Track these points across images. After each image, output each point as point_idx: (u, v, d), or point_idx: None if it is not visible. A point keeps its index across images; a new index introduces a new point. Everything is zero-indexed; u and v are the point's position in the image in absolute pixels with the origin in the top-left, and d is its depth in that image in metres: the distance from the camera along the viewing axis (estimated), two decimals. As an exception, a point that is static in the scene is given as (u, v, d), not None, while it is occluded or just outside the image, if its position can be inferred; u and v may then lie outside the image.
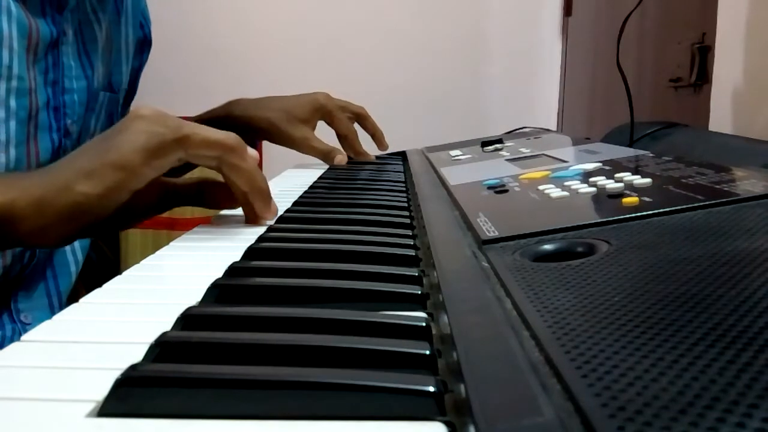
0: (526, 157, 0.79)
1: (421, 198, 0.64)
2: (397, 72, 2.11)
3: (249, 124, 0.89)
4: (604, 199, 0.47)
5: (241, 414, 0.22)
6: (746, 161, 0.55)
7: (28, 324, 0.70)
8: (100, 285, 0.38)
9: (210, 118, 0.88)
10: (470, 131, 1.35)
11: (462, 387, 0.22)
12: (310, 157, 0.96)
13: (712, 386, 0.19)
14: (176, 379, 0.24)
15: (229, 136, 0.51)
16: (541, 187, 0.54)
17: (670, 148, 0.80)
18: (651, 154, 0.63)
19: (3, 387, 0.25)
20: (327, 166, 0.97)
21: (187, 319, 0.30)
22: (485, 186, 0.61)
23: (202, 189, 0.58)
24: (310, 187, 0.77)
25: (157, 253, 0.47)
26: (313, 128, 0.96)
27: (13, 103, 0.61)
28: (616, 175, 0.52)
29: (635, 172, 0.54)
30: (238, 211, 0.58)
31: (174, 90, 2.11)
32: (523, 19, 2.13)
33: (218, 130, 0.52)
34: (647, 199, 0.44)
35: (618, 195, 0.46)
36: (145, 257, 0.45)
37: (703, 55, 1.20)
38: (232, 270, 0.38)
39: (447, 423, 0.22)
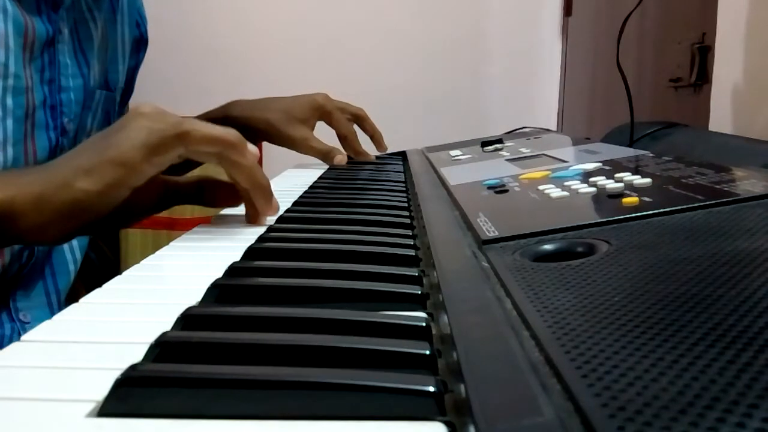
0: (526, 157, 0.79)
1: (421, 198, 0.64)
2: (397, 72, 2.11)
3: (248, 125, 0.89)
4: (604, 199, 0.47)
5: (241, 414, 0.22)
6: (746, 161, 0.55)
7: (27, 323, 0.70)
8: (100, 285, 0.38)
9: (208, 119, 0.88)
10: (470, 131, 1.35)
11: (462, 387, 0.22)
12: (310, 157, 0.96)
13: (712, 386, 0.19)
14: (176, 379, 0.24)
15: (229, 132, 0.51)
16: (541, 187, 0.54)
17: (670, 148, 0.80)
18: (651, 154, 0.63)
19: (3, 387, 0.25)
20: (327, 166, 0.97)
21: (187, 319, 0.30)
22: (485, 186, 0.61)
23: (202, 187, 0.58)
24: (310, 187, 0.77)
25: (157, 253, 0.47)
26: (312, 129, 0.96)
27: (9, 101, 0.62)
28: (616, 175, 0.52)
29: (635, 172, 0.54)
30: (239, 211, 0.58)
31: (174, 90, 2.11)
32: (523, 19, 2.13)
33: (218, 126, 0.51)
34: (647, 199, 0.44)
35: (618, 195, 0.46)
36: (145, 257, 0.45)
37: (703, 55, 1.20)
38: (232, 270, 0.38)
39: (447, 423, 0.22)
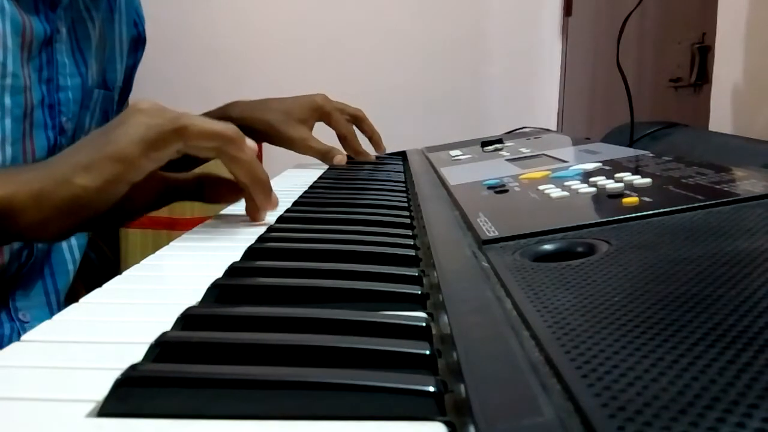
0: (526, 157, 0.79)
1: (421, 198, 0.64)
2: (397, 72, 2.11)
3: (247, 125, 0.89)
4: (604, 199, 0.47)
5: (241, 414, 0.22)
6: (746, 161, 0.55)
7: (27, 322, 0.70)
8: (100, 285, 0.38)
9: None
10: (470, 131, 1.35)
11: (462, 387, 0.22)
12: (310, 157, 0.96)
13: (712, 386, 0.19)
14: (176, 379, 0.24)
15: (227, 127, 0.51)
16: (541, 187, 0.54)
17: (670, 148, 0.80)
18: (651, 154, 0.63)
19: (3, 387, 0.25)
20: (327, 166, 0.97)
21: (187, 319, 0.30)
22: (485, 186, 0.61)
23: (202, 183, 0.58)
24: (310, 187, 0.77)
25: (157, 253, 0.47)
26: (311, 129, 0.96)
27: (7, 100, 0.62)
28: (616, 175, 0.52)
29: (635, 172, 0.54)
30: (239, 211, 0.58)
31: (174, 90, 2.10)
32: (523, 19, 2.13)
33: (216, 121, 0.51)
34: (647, 199, 0.44)
35: (618, 195, 0.46)
36: (145, 257, 0.45)
37: (703, 55, 1.20)
38: (232, 270, 0.38)
39: (447, 423, 0.22)
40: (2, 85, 0.61)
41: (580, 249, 0.36)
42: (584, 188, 0.50)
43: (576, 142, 0.89)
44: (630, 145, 0.83)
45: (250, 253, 0.43)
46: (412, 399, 0.22)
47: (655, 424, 0.17)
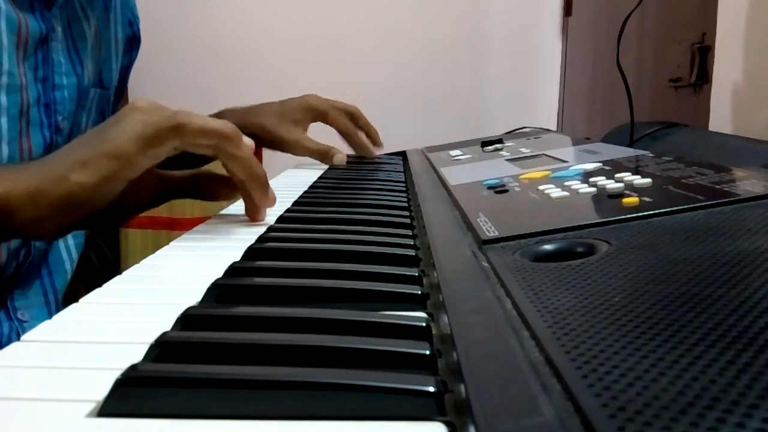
0: (526, 157, 0.79)
1: (421, 198, 0.64)
2: (397, 72, 2.11)
3: (242, 132, 0.88)
4: (604, 199, 0.47)
5: (241, 414, 0.22)
6: (746, 161, 0.55)
7: (26, 321, 0.70)
8: (100, 285, 0.38)
9: None
10: (470, 131, 1.35)
11: (462, 387, 0.22)
12: (311, 158, 0.96)
13: (712, 386, 0.19)
14: (176, 379, 0.24)
15: (225, 125, 0.51)
16: (541, 187, 0.54)
17: (670, 148, 0.80)
18: (651, 154, 0.63)
19: (3, 387, 0.25)
20: (327, 166, 0.97)
21: (187, 319, 0.30)
22: (485, 186, 0.61)
23: (198, 181, 0.58)
24: (310, 187, 0.77)
25: (157, 253, 0.47)
26: (305, 130, 0.95)
27: (4, 99, 0.62)
28: (616, 175, 0.52)
29: (635, 172, 0.54)
30: (239, 211, 0.58)
31: (174, 90, 2.10)
32: (523, 19, 2.13)
33: (214, 119, 0.52)
34: (647, 199, 0.44)
35: (618, 195, 0.46)
36: (145, 257, 0.45)
37: (703, 55, 1.20)
38: (232, 270, 0.38)
39: (447, 423, 0.22)
40: None
41: (580, 249, 0.36)
42: (584, 188, 0.50)
43: (576, 142, 0.89)
44: (630, 145, 0.83)
45: (250, 253, 0.43)
46: (412, 399, 0.22)
47: (656, 425, 0.17)
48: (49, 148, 0.68)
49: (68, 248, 0.79)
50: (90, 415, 0.23)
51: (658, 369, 0.20)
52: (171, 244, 0.50)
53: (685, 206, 0.40)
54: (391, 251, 0.43)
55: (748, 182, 0.44)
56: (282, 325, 0.30)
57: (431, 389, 0.22)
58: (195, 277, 0.38)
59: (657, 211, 0.40)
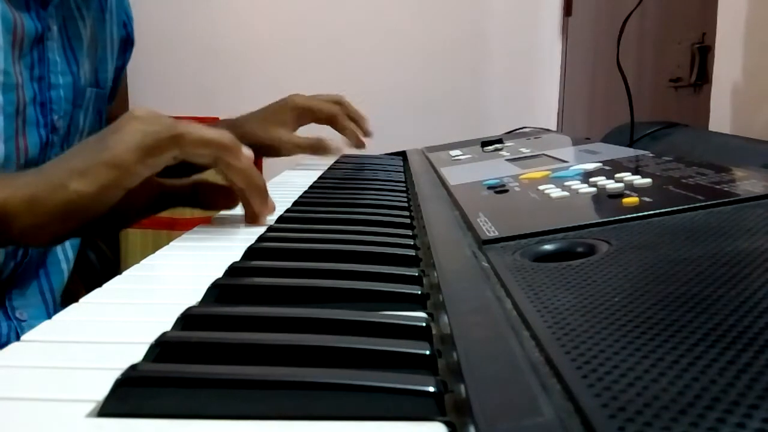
0: (526, 157, 0.79)
1: (421, 198, 0.64)
2: (397, 72, 2.11)
3: None
4: (604, 199, 0.47)
5: (240, 414, 0.22)
6: (746, 161, 0.55)
7: (24, 321, 0.71)
8: (100, 285, 0.38)
9: None
10: (470, 131, 1.35)
11: (462, 387, 0.22)
12: (310, 158, 0.96)
13: (712, 387, 0.19)
14: (176, 379, 0.24)
15: (224, 135, 0.52)
16: (541, 187, 0.54)
17: (670, 148, 0.80)
18: (651, 154, 0.63)
19: (3, 387, 0.25)
20: (327, 166, 0.97)
21: (187, 319, 0.30)
22: (485, 186, 0.61)
23: (197, 190, 0.58)
24: (310, 187, 0.77)
25: (157, 253, 0.47)
26: (293, 130, 0.94)
27: (0, 98, 0.62)
28: (617, 175, 0.52)
29: (635, 172, 0.54)
30: (238, 211, 0.58)
31: (174, 90, 2.11)
32: (523, 19, 2.13)
33: (213, 129, 0.52)
34: (647, 199, 0.44)
35: (618, 195, 0.46)
36: (145, 257, 0.45)
37: (703, 55, 1.20)
38: (232, 270, 0.38)
39: (447, 423, 0.22)
40: None
41: (580, 249, 0.36)
42: (584, 188, 0.50)
43: (576, 142, 0.89)
44: (630, 145, 0.83)
45: (250, 253, 0.43)
46: (412, 399, 0.22)
47: (656, 425, 0.17)
48: (45, 147, 0.68)
49: (64, 248, 0.79)
50: (90, 415, 0.23)
51: (658, 369, 0.20)
52: (171, 244, 0.50)
53: (685, 206, 0.40)
54: (391, 251, 0.43)
55: (748, 182, 0.44)
56: (282, 325, 0.30)
57: (431, 389, 0.22)
58: (195, 277, 0.38)
59: (657, 211, 0.40)
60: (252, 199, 0.55)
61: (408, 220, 0.54)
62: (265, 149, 0.91)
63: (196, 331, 0.29)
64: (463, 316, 0.29)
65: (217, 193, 0.58)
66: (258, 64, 2.11)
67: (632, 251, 0.34)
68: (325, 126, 0.96)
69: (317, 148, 0.92)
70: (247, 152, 0.53)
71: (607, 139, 0.93)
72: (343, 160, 1.05)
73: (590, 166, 0.61)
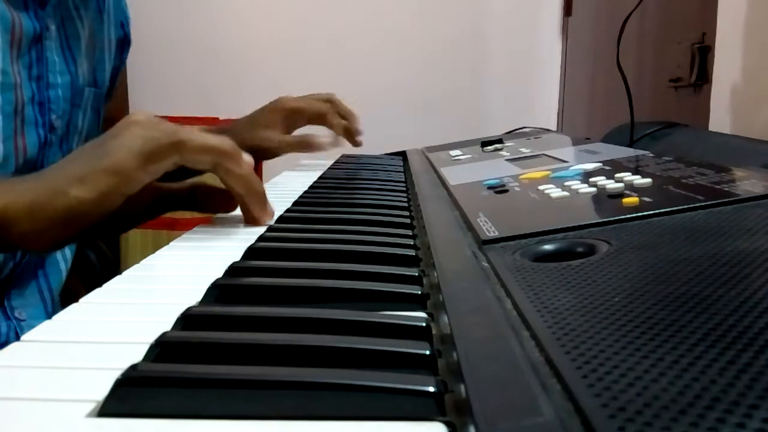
0: (526, 157, 0.79)
1: (421, 198, 0.64)
2: (397, 72, 2.11)
3: None
4: (604, 199, 0.47)
5: (240, 414, 0.22)
6: (746, 161, 0.55)
7: (23, 320, 0.71)
8: (100, 285, 0.38)
9: None
10: (470, 131, 1.35)
11: (462, 387, 0.22)
12: (309, 158, 0.96)
13: (712, 387, 0.19)
14: (176, 379, 0.24)
15: (224, 142, 0.52)
16: (541, 187, 0.54)
17: (670, 148, 0.80)
18: (651, 154, 0.63)
19: (3, 387, 0.25)
20: (327, 167, 0.97)
21: (187, 319, 0.30)
22: (485, 186, 0.61)
23: (195, 193, 0.58)
24: (310, 187, 0.77)
25: (157, 253, 0.47)
26: (285, 131, 0.93)
27: None
28: (617, 175, 0.52)
29: (635, 172, 0.54)
30: (238, 212, 0.58)
31: (174, 90, 2.11)
32: (523, 19, 2.13)
33: (213, 135, 0.52)
34: (647, 199, 0.44)
35: (618, 195, 0.46)
36: (145, 257, 0.45)
37: (703, 55, 1.20)
38: (232, 270, 0.38)
39: (447, 423, 0.22)
40: None
41: (580, 249, 0.36)
42: (584, 188, 0.50)
43: (576, 142, 0.89)
44: (630, 145, 0.83)
45: (250, 253, 0.43)
46: (412, 399, 0.22)
47: (656, 425, 0.17)
48: (44, 146, 0.68)
49: (62, 249, 0.79)
50: (90, 415, 0.23)
51: (658, 369, 0.20)
52: (171, 244, 0.50)
53: (685, 206, 0.40)
54: (391, 251, 0.43)
55: (748, 182, 0.44)
56: (282, 325, 0.30)
57: (431, 389, 0.22)
58: (195, 277, 0.38)
59: (657, 211, 0.40)
60: (251, 205, 0.55)
61: (408, 220, 0.54)
62: (253, 152, 0.90)
63: (196, 331, 0.29)
64: (463, 316, 0.29)
65: (215, 197, 0.58)
66: (258, 64, 2.11)
67: (632, 251, 0.34)
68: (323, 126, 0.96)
69: (306, 144, 0.91)
70: (248, 158, 0.54)
71: (607, 139, 0.93)
72: (343, 160, 1.05)
73: (590, 166, 0.61)
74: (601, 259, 0.33)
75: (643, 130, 0.91)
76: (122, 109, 2.03)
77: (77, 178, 0.48)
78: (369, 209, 0.59)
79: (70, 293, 0.79)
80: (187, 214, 0.62)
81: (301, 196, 0.70)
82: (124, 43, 0.85)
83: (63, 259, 0.79)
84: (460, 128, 1.69)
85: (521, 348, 0.24)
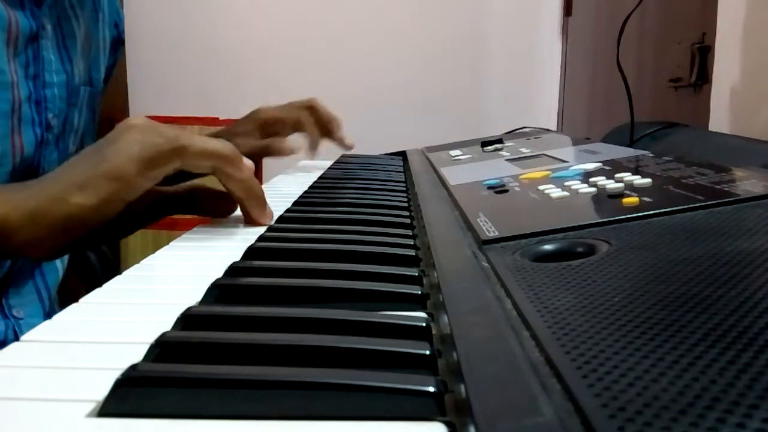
0: (526, 157, 0.79)
1: (421, 198, 0.64)
2: (397, 72, 2.11)
3: None
4: (604, 199, 0.47)
5: (240, 414, 0.22)
6: (746, 161, 0.55)
7: (21, 319, 0.71)
8: (100, 285, 0.38)
9: None
10: (470, 131, 1.35)
11: (462, 387, 0.22)
12: (309, 159, 0.96)
13: (712, 387, 0.19)
14: (176, 379, 0.24)
15: (225, 146, 0.52)
16: (541, 187, 0.54)
17: (670, 148, 0.80)
18: (651, 154, 0.63)
19: (3, 387, 0.25)
20: (327, 167, 0.97)
21: (187, 319, 0.30)
22: (485, 186, 0.61)
23: (195, 196, 0.58)
24: (310, 187, 0.77)
25: (157, 253, 0.47)
26: (262, 138, 0.94)
27: None
28: (617, 175, 0.52)
29: (635, 172, 0.54)
30: (238, 212, 0.58)
31: (174, 90, 2.11)
32: (523, 19, 2.13)
33: (214, 140, 0.52)
34: (647, 199, 0.44)
35: (618, 195, 0.46)
36: (145, 257, 0.45)
37: (703, 55, 1.20)
38: (232, 270, 0.38)
39: (447, 423, 0.22)
40: None
41: (580, 249, 0.36)
42: (584, 188, 0.50)
43: (576, 142, 0.89)
44: (630, 145, 0.83)
45: (250, 253, 0.43)
46: (412, 399, 0.22)
47: (656, 425, 0.17)
48: (40, 145, 0.68)
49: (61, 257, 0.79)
50: (90, 415, 0.23)
51: (658, 369, 0.20)
52: (171, 244, 0.50)
53: (685, 206, 0.40)
54: (391, 251, 0.43)
55: (748, 182, 0.44)
56: (282, 325, 0.30)
57: (431, 389, 0.22)
58: (195, 277, 0.38)
59: (657, 211, 0.40)
60: (251, 209, 0.55)
61: (408, 220, 0.54)
62: None
63: (196, 331, 0.29)
64: (463, 316, 0.29)
65: (215, 199, 0.58)
66: (258, 64, 2.11)
67: (632, 251, 0.34)
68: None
69: (270, 148, 0.91)
70: (248, 163, 0.54)
71: (607, 139, 0.93)
72: (343, 160, 1.05)
73: (590, 166, 0.61)
74: (601, 259, 0.33)
75: (643, 130, 0.91)
76: (122, 110, 2.04)
77: (77, 185, 0.48)
78: (369, 209, 0.59)
79: (70, 293, 0.79)
80: (187, 215, 0.62)
81: (301, 196, 0.70)
82: (117, 43, 0.85)
83: (60, 258, 0.79)
84: (460, 128, 1.69)
85: (521, 348, 0.24)
